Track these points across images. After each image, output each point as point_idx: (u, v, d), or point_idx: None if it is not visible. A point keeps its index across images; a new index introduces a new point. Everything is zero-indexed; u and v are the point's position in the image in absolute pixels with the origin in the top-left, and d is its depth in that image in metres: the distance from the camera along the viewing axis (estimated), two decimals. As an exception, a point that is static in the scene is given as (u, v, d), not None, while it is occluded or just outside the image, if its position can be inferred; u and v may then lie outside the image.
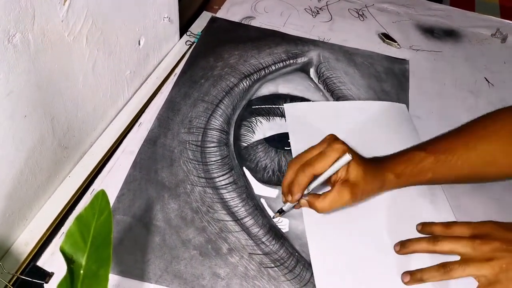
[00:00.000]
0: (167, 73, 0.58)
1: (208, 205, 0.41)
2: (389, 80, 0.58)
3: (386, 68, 0.60)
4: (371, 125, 0.51)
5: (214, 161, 0.45)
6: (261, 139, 0.48)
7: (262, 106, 0.51)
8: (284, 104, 0.52)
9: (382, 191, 0.42)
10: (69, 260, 0.24)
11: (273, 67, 0.56)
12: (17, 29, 0.32)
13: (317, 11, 0.71)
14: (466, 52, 0.65)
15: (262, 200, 0.43)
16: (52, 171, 0.42)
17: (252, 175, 0.44)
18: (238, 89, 0.52)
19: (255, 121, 0.49)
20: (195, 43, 0.61)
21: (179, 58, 0.60)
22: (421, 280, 0.37)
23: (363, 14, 0.71)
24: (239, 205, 0.41)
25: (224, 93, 0.52)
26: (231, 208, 0.41)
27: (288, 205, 0.40)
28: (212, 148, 0.46)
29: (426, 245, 0.38)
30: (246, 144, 0.47)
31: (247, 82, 0.54)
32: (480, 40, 0.68)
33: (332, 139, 0.39)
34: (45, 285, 0.34)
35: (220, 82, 0.53)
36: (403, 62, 0.62)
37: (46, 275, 0.34)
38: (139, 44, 0.52)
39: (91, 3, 0.40)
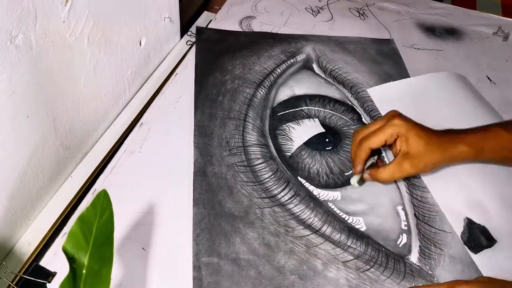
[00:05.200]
0: (168, 73, 0.58)
1: (284, 224, 0.40)
2: (386, 62, 0.60)
3: (377, 51, 0.62)
4: (445, 96, 0.53)
5: (268, 177, 0.44)
6: (301, 145, 0.47)
7: (286, 111, 0.51)
8: (367, 89, 0.54)
9: (453, 162, 0.43)
10: (71, 260, 0.24)
11: (279, 70, 0.56)
12: (19, 30, 0.32)
13: (318, 10, 0.71)
14: (467, 50, 0.65)
15: (330, 205, 0.42)
16: (54, 171, 0.42)
17: (310, 183, 0.44)
18: (257, 99, 0.52)
19: (287, 128, 0.49)
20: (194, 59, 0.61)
21: (180, 58, 0.60)
22: None
23: (364, 13, 0.71)
24: (311, 215, 0.41)
25: (246, 106, 0.51)
26: (305, 221, 0.41)
27: (355, 177, 0.43)
28: (260, 165, 0.45)
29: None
30: (290, 154, 0.47)
31: (263, 90, 0.53)
32: (482, 39, 0.67)
33: (391, 115, 0.42)
34: (48, 284, 0.34)
35: (237, 95, 0.52)
36: (389, 41, 0.64)
37: (49, 275, 0.35)
38: (140, 44, 0.52)
39: (92, 3, 0.40)
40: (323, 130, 0.49)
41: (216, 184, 0.43)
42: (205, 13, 0.70)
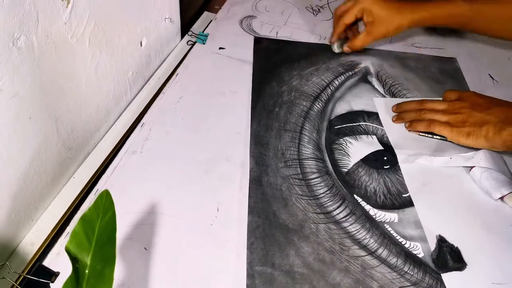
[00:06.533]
0: (169, 74, 0.58)
1: (338, 242, 0.40)
2: (448, 81, 0.58)
3: (440, 69, 0.60)
4: None
5: (323, 193, 0.43)
6: (358, 161, 0.46)
7: (343, 126, 0.51)
8: (374, 98, 0.54)
9: (414, 26, 0.53)
10: (74, 260, 0.24)
11: (336, 82, 0.56)
12: (22, 32, 0.32)
13: (318, 9, 0.71)
14: (469, 49, 0.65)
15: (386, 226, 0.41)
16: (57, 171, 0.43)
17: (366, 202, 0.43)
18: (313, 112, 0.52)
19: (344, 143, 0.48)
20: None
21: (180, 59, 0.60)
22: (403, 115, 0.51)
23: (365, 11, 0.71)
24: (367, 236, 0.40)
25: (302, 119, 0.51)
26: (361, 241, 0.40)
27: (334, 47, 0.59)
28: (316, 179, 0.44)
29: (414, 104, 0.51)
30: (346, 170, 0.46)
31: (320, 104, 0.53)
32: (484, 37, 0.67)
33: None
34: (51, 284, 0.35)
35: (293, 108, 0.52)
36: (452, 60, 0.62)
37: (52, 275, 0.35)
38: (141, 45, 0.53)
39: (93, 5, 0.40)
40: (381, 147, 0.48)
41: (271, 195, 0.43)
42: (206, 13, 0.70)
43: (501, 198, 0.43)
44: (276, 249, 0.39)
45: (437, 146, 0.49)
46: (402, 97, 0.55)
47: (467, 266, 0.38)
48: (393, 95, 0.56)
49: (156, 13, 0.54)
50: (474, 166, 0.45)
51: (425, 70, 0.59)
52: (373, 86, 0.56)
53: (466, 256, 0.39)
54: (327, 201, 0.43)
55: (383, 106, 0.53)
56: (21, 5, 0.31)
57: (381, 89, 0.56)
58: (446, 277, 0.38)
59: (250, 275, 0.37)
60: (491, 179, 0.44)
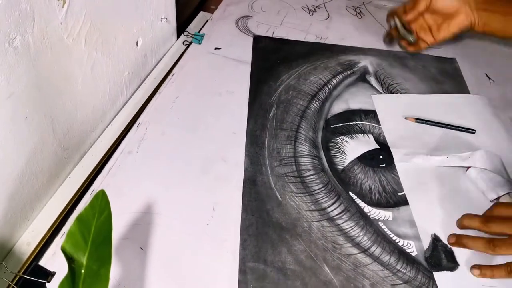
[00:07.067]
0: (165, 73, 0.58)
1: (331, 240, 0.40)
2: (447, 82, 0.58)
3: (439, 69, 0.60)
4: (454, 117, 0.52)
5: (318, 189, 0.43)
6: (354, 160, 0.47)
7: (340, 125, 0.51)
8: (372, 96, 0.54)
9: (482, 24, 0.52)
10: (70, 260, 0.24)
11: (334, 81, 0.56)
12: (18, 32, 0.32)
13: (314, 9, 0.71)
14: (466, 48, 0.65)
15: (381, 224, 0.42)
16: (53, 171, 0.43)
17: (361, 199, 0.43)
18: (310, 111, 0.52)
19: (340, 141, 0.49)
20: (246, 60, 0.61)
21: (176, 58, 0.60)
22: (465, 246, 0.39)
23: (361, 11, 0.71)
24: (361, 233, 0.41)
25: (299, 118, 0.51)
26: (354, 239, 0.40)
27: (409, 37, 0.57)
28: (311, 176, 0.44)
29: (478, 223, 0.40)
30: (342, 167, 0.46)
31: (317, 103, 0.53)
32: (481, 36, 0.68)
33: None
34: (47, 284, 0.35)
35: (290, 107, 0.52)
36: (452, 61, 0.62)
37: (48, 275, 0.35)
38: (137, 45, 0.53)
39: (89, 5, 0.40)
40: (377, 146, 0.48)
41: (265, 194, 0.43)
42: (202, 13, 0.70)
43: (497, 199, 0.43)
44: (268, 246, 0.39)
45: (434, 146, 0.49)
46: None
47: (459, 267, 0.39)
48: (390, 93, 0.56)
49: (152, 13, 0.54)
50: (470, 166, 0.46)
51: (424, 70, 0.60)
52: (371, 85, 0.57)
53: (458, 256, 0.40)
54: (322, 197, 0.43)
55: (381, 103, 0.54)
56: (17, 5, 0.31)
57: (379, 88, 0.56)
58: (438, 275, 0.38)
59: (242, 271, 0.37)
60: (487, 180, 0.44)
